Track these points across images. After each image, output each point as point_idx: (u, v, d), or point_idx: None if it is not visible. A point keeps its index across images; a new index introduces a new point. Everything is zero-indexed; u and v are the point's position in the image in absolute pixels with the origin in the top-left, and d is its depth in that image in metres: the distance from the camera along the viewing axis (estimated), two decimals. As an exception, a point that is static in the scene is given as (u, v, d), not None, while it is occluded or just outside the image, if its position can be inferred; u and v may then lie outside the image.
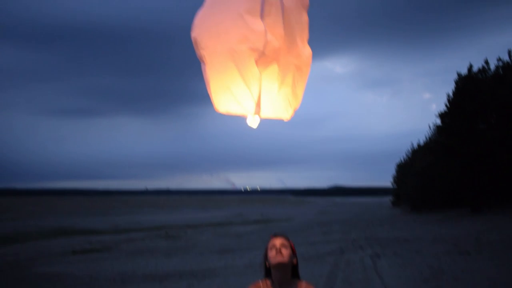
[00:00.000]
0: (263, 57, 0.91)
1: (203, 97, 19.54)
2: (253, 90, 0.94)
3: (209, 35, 0.95)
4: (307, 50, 1.00)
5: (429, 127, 11.81)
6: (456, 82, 10.84)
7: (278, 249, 0.97)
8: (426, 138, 14.21)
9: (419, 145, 16.85)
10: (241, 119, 0.96)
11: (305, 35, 1.01)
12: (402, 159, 20.24)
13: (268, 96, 0.99)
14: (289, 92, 1.00)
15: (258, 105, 0.96)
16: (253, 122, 0.99)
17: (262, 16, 0.91)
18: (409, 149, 18.79)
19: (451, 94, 10.79)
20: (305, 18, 0.99)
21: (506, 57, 10.44)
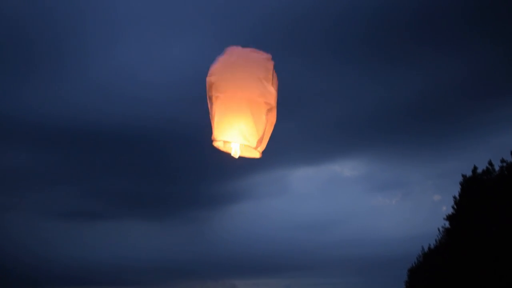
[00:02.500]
0: (272, 110, 1.37)
1: (211, 201, 19.50)
2: (258, 130, 1.35)
3: (228, 84, 1.33)
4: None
5: (439, 230, 11.74)
6: (462, 184, 10.88)
7: None
8: (436, 241, 13.96)
9: (430, 249, 16.45)
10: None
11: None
12: (414, 264, 19.65)
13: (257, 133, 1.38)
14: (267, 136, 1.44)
15: (260, 141, 1.37)
16: (237, 152, 1.40)
17: (272, 83, 1.37)
18: (420, 253, 18.34)
19: (457, 196, 10.81)
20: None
21: (509, 158, 10.60)
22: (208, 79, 1.35)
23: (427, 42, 10.47)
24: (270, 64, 1.38)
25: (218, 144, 1.40)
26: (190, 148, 13.54)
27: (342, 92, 12.77)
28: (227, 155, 1.42)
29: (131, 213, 18.62)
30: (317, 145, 16.05)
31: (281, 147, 15.36)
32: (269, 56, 1.40)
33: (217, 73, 1.34)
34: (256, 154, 1.45)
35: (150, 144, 13.75)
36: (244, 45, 1.42)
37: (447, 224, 10.93)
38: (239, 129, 1.33)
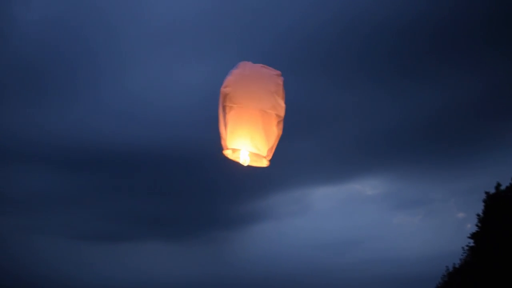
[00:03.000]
0: (280, 122, 1.48)
1: (231, 221, 19.45)
2: (269, 140, 1.47)
3: (242, 96, 1.44)
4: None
5: (463, 248, 11.47)
6: (485, 201, 10.66)
7: None
8: (460, 260, 13.64)
9: (454, 268, 16.06)
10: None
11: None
12: (438, 284, 19.18)
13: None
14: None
15: (270, 150, 1.49)
16: (246, 160, 1.50)
17: (282, 98, 1.48)
18: (445, 272, 17.91)
19: (481, 213, 10.59)
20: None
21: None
22: (222, 90, 1.46)
23: (447, 59, 10.39)
24: (280, 80, 1.50)
25: (227, 152, 1.52)
26: (210, 168, 13.57)
27: (363, 110, 12.71)
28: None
29: (151, 234, 18.66)
30: (338, 164, 15.95)
31: (301, 166, 15.28)
32: (279, 72, 1.52)
33: (231, 85, 1.46)
34: (264, 163, 1.55)
35: (170, 165, 13.83)
36: (262, 63, 1.56)
37: (471, 242, 10.69)
38: (251, 138, 1.45)
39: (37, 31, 9.89)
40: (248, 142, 1.45)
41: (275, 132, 1.48)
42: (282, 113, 1.47)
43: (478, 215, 10.46)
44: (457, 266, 16.43)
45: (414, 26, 9.20)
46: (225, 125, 1.46)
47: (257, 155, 1.50)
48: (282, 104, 1.47)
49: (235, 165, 1.54)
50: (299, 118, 12.10)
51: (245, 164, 1.52)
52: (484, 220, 10.09)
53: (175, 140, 12.36)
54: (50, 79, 10.94)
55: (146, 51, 11.01)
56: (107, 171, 14.27)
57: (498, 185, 10.68)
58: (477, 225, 10.40)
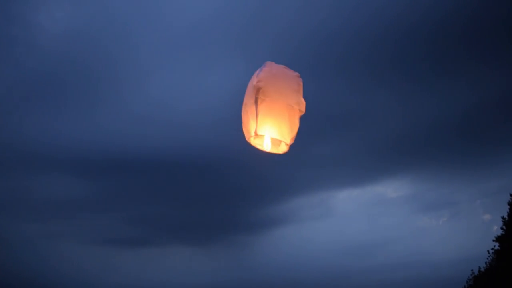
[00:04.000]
0: (301, 115, 1.78)
1: (254, 225, 19.49)
2: (292, 130, 1.78)
3: (274, 91, 1.74)
4: None
5: (488, 252, 11.29)
6: (510, 204, 10.49)
7: None
8: (486, 264, 13.41)
9: (480, 271, 15.79)
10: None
11: None
12: None
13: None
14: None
15: (292, 138, 1.80)
16: (268, 145, 1.83)
17: (302, 96, 1.81)
18: (470, 276, 17.62)
19: (506, 216, 10.41)
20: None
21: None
22: (256, 84, 1.75)
23: (475, 56, 10.25)
24: (301, 80, 1.82)
25: (252, 139, 1.85)
26: (232, 172, 13.64)
27: (385, 112, 12.61)
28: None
29: (174, 239, 18.83)
30: (360, 166, 15.83)
31: (323, 168, 15.25)
32: (298, 74, 1.85)
33: (264, 81, 1.76)
34: (282, 149, 1.88)
35: (192, 169, 13.95)
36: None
37: (497, 245, 10.51)
38: (279, 127, 1.76)
39: (61, 40, 10.13)
40: (275, 130, 1.76)
41: (296, 124, 1.79)
42: (303, 108, 1.79)
43: (503, 217, 10.30)
44: (482, 270, 16.15)
45: (443, 25, 9.12)
46: (256, 114, 1.74)
47: (277, 142, 1.85)
48: (303, 101, 1.79)
49: (257, 152, 1.88)
50: (321, 121, 12.10)
51: (267, 149, 1.85)
52: (509, 223, 9.93)
53: (197, 144, 12.47)
54: (72, 86, 11.18)
55: (165, 56, 11.16)
56: (130, 176, 14.45)
57: (524, 186, 10.51)
58: (502, 228, 10.25)
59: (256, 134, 1.76)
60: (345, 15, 9.92)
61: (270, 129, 1.75)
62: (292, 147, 1.84)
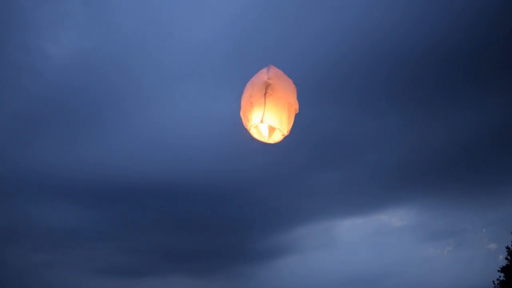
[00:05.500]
0: (295, 113, 2.11)
1: (257, 256, 19.24)
2: (289, 123, 2.08)
3: (280, 88, 2.04)
4: None
5: (493, 283, 11.08)
6: (514, 234, 10.35)
7: None
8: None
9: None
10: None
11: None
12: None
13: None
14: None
15: (288, 131, 2.10)
16: (266, 133, 2.16)
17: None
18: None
19: (510, 246, 10.26)
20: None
21: None
22: (266, 80, 2.05)
23: (481, 84, 10.26)
24: (295, 86, 2.18)
25: (251, 128, 2.14)
26: (235, 201, 13.54)
27: (389, 140, 12.56)
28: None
29: (176, 269, 18.60)
30: (364, 194, 15.70)
31: (327, 197, 15.11)
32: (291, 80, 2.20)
33: (273, 79, 2.06)
34: (276, 139, 2.19)
35: (194, 198, 13.86)
36: None
37: (502, 276, 10.33)
38: (280, 119, 2.05)
39: (67, 68, 10.20)
40: (277, 120, 2.05)
41: (292, 120, 2.11)
42: (298, 109, 2.14)
43: (507, 247, 10.16)
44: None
45: (453, 54, 9.16)
46: (264, 105, 2.02)
47: (273, 132, 2.16)
48: (297, 103, 2.15)
49: (256, 143, 2.23)
50: (324, 148, 12.05)
51: (265, 137, 2.17)
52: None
53: (200, 173, 12.43)
54: (77, 114, 11.19)
55: (172, 83, 11.21)
56: (131, 204, 14.35)
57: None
58: (507, 258, 10.09)
59: (262, 121, 2.05)
60: (328, 45, 9.96)
61: (274, 119, 2.05)
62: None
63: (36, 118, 10.74)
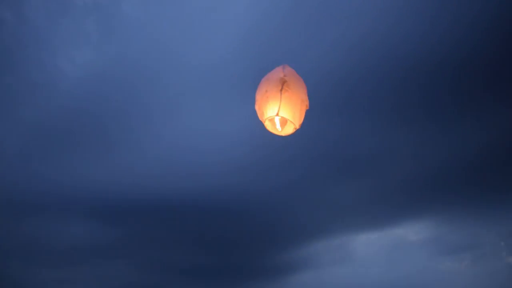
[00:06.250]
0: (306, 109, 2.34)
1: (272, 272, 19.06)
2: (301, 118, 2.32)
3: (293, 85, 2.28)
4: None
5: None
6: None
7: None
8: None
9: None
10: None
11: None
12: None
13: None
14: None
15: (300, 125, 2.33)
16: (278, 126, 2.37)
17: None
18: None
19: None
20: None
21: None
22: (281, 77, 2.28)
23: (499, 94, 10.16)
24: (304, 84, 2.42)
25: (266, 121, 2.36)
26: (248, 216, 13.50)
27: (404, 152, 12.42)
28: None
29: (191, 286, 18.52)
30: (379, 208, 15.47)
31: (342, 211, 14.98)
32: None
33: (288, 76, 2.29)
34: (288, 132, 2.41)
35: (205, 213, 13.84)
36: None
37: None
38: (293, 113, 2.29)
39: (81, 85, 10.35)
40: (291, 114, 2.28)
41: (303, 115, 2.35)
42: (308, 105, 2.38)
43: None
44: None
45: (466, 65, 9.14)
46: (280, 100, 2.25)
47: (285, 125, 2.37)
48: (307, 99, 2.39)
49: (270, 136, 2.51)
50: (340, 162, 11.98)
51: (279, 129, 2.40)
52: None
53: (215, 189, 12.43)
54: (91, 130, 11.30)
55: (185, 98, 11.30)
56: (144, 221, 14.38)
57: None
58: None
59: (277, 114, 2.27)
60: (341, 57, 9.98)
61: (288, 112, 2.28)
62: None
63: (49, 135, 10.87)
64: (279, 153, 11.45)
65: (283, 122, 2.42)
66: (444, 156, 12.64)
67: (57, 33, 9.70)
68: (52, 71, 10.14)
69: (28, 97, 10.28)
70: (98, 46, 10.16)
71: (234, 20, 9.91)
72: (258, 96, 2.38)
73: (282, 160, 11.80)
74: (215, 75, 10.28)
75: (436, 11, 8.56)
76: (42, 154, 11.36)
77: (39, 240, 13.54)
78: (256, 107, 2.40)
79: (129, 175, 12.15)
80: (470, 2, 8.56)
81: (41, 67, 10.06)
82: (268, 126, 2.44)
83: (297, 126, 2.37)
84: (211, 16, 10.02)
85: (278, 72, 2.36)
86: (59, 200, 11.89)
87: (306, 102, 2.40)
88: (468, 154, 12.51)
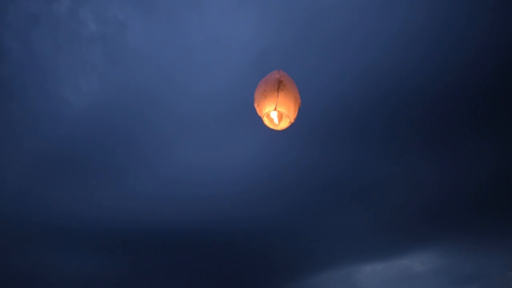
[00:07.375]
0: (299, 107, 2.71)
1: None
2: (295, 113, 2.68)
3: (288, 85, 2.62)
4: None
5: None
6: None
7: None
8: None
9: None
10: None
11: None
12: None
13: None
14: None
15: (294, 119, 2.66)
16: (276, 120, 2.71)
17: None
18: None
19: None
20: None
21: None
22: (278, 78, 2.60)
23: (504, 118, 10.10)
24: (296, 86, 2.78)
25: (264, 116, 2.66)
26: (253, 247, 13.30)
27: (408, 181, 12.33)
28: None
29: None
30: (385, 238, 15.28)
31: (347, 242, 14.79)
32: None
33: (284, 78, 2.61)
34: (283, 126, 2.72)
35: (212, 244, 13.65)
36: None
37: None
38: (289, 108, 2.60)
39: (86, 113, 10.32)
40: (287, 109, 2.59)
41: (297, 111, 2.68)
42: (300, 103, 2.70)
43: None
44: None
45: (480, 87, 9.13)
46: (277, 97, 2.55)
47: (281, 121, 2.67)
48: (299, 98, 2.70)
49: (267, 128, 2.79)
50: (345, 191, 11.86)
51: (277, 123, 2.68)
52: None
53: (215, 222, 12.30)
54: (96, 159, 11.22)
55: (190, 130, 11.23)
56: (145, 252, 14.17)
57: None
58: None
59: (275, 109, 2.59)
60: (350, 82, 9.99)
61: (284, 107, 2.61)
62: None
63: (54, 165, 10.78)
64: (284, 183, 11.35)
65: (279, 117, 2.72)
66: (450, 186, 12.51)
67: (63, 63, 9.72)
68: (57, 100, 10.13)
69: (33, 127, 10.23)
70: (103, 75, 10.16)
71: (240, 49, 9.95)
72: (257, 95, 2.70)
73: (285, 190, 11.74)
74: (222, 106, 10.23)
75: (443, 42, 8.60)
76: (46, 183, 11.24)
77: (43, 270, 13.30)
78: (256, 105, 2.72)
79: (127, 206, 12.00)
80: (476, 35, 8.59)
81: (46, 96, 10.05)
82: (266, 121, 2.76)
83: (292, 120, 2.71)
84: (217, 44, 10.06)
85: (274, 75, 2.69)
86: (58, 230, 11.72)
87: (299, 100, 2.74)
88: (474, 184, 12.39)
